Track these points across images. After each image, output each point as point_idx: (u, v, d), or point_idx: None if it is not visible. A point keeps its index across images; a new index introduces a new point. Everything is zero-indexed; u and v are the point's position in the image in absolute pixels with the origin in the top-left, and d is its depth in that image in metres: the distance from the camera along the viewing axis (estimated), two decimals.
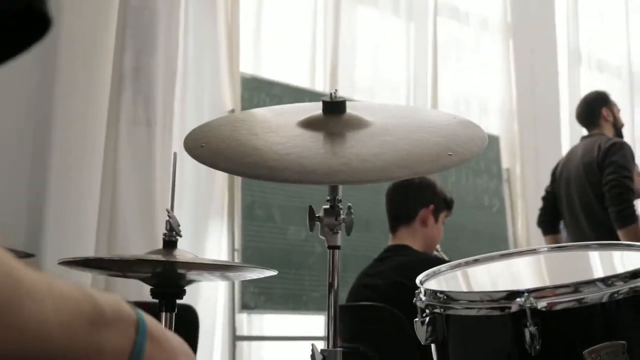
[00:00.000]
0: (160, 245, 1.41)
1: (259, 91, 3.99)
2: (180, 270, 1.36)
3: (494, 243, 4.66)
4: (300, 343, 3.87)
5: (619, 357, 1.08)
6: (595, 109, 4.12)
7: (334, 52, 4.36)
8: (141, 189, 3.38)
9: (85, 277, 2.95)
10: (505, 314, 1.12)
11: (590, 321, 1.13)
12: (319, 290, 3.77)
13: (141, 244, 3.18)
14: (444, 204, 2.77)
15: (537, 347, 1.07)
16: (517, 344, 1.10)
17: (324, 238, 1.39)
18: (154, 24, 3.53)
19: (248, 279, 1.68)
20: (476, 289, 1.42)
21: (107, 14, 3.41)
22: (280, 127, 1.45)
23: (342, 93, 1.46)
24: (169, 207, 1.42)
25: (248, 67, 4.04)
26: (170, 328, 1.36)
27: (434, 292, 1.20)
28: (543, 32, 5.75)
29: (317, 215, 1.38)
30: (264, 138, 1.44)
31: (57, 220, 3.14)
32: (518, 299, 1.10)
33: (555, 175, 4.14)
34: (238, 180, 3.73)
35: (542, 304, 1.09)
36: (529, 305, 1.08)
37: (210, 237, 3.67)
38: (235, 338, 3.68)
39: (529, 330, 1.07)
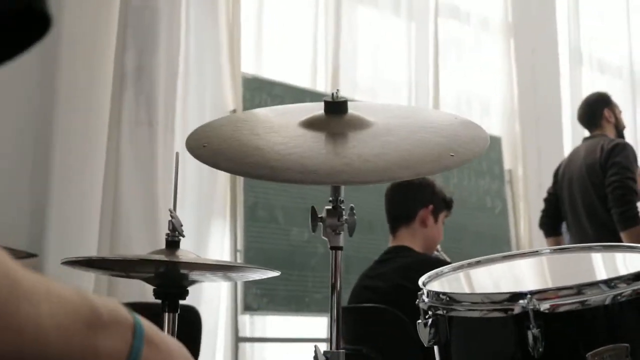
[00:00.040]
0: (162, 246, 1.41)
1: (261, 91, 3.99)
2: (183, 271, 1.36)
3: (496, 245, 4.65)
4: (303, 345, 3.87)
5: None
6: (597, 110, 4.11)
7: (335, 53, 4.36)
8: (143, 189, 3.38)
9: (88, 277, 2.95)
10: (508, 316, 1.12)
11: (593, 323, 1.13)
12: (322, 291, 3.77)
13: (144, 244, 3.18)
14: (444, 204, 2.76)
15: (540, 349, 1.07)
16: (520, 346, 1.09)
17: (326, 239, 1.39)
18: (155, 24, 3.53)
19: (251, 279, 1.68)
20: (478, 290, 1.41)
21: (108, 13, 3.40)
22: (282, 127, 1.45)
23: (343, 93, 1.46)
24: (172, 207, 1.42)
25: (249, 67, 4.04)
26: (172, 329, 1.36)
27: (437, 293, 1.20)
28: (544, 32, 5.75)
29: (319, 216, 1.38)
30: (265, 138, 1.44)
31: (60, 220, 3.14)
32: (521, 301, 1.10)
33: (557, 176, 4.13)
34: (240, 180, 3.73)
35: (545, 306, 1.08)
36: (531, 307, 1.08)
37: (213, 238, 3.67)
38: (237, 339, 3.68)
39: (532, 333, 1.07)
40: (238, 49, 3.88)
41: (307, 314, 3.91)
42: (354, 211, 1.40)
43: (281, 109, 1.73)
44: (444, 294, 1.19)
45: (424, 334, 1.20)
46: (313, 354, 1.30)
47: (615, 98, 4.25)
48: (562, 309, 1.10)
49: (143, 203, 3.36)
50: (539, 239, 4.36)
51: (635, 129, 5.93)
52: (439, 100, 4.82)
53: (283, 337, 4.05)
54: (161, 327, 1.35)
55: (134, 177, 3.37)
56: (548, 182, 4.24)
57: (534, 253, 1.48)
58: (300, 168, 1.30)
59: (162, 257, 1.33)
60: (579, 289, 1.11)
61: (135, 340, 0.64)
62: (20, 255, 2.41)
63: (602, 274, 1.41)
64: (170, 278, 1.38)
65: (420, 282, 1.26)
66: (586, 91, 5.17)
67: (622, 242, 3.43)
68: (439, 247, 2.83)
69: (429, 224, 2.71)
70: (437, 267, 1.39)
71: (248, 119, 1.63)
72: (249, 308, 3.66)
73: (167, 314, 1.35)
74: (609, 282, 1.12)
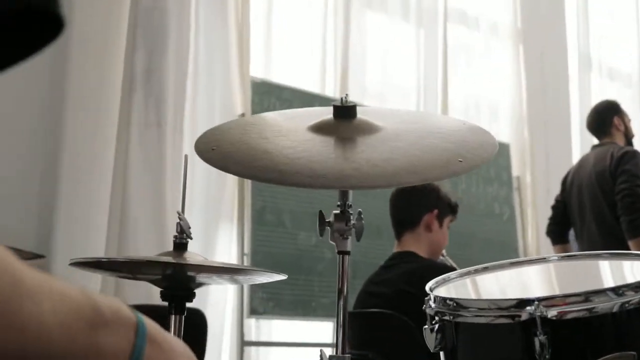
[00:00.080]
0: (170, 248, 1.41)
1: (269, 95, 3.99)
2: (190, 273, 1.36)
3: (503, 251, 4.64)
4: (309, 349, 3.86)
5: None
6: (606, 118, 4.10)
7: (344, 57, 4.37)
8: (152, 191, 3.39)
9: (95, 279, 2.96)
10: (515, 322, 1.12)
11: (600, 331, 1.12)
12: (328, 296, 3.77)
13: (151, 246, 3.18)
14: (449, 209, 2.75)
15: (547, 356, 1.07)
16: (526, 353, 1.09)
17: (334, 243, 1.39)
18: (165, 26, 3.55)
19: (257, 282, 1.68)
20: (485, 296, 1.41)
21: (118, 15, 3.42)
22: (291, 131, 1.45)
23: (352, 98, 1.46)
24: (180, 210, 1.42)
25: (258, 71, 4.05)
26: (179, 331, 1.36)
27: (444, 299, 1.20)
28: (553, 38, 5.74)
29: (327, 220, 1.38)
30: (274, 142, 1.45)
31: (68, 221, 3.15)
32: (528, 307, 1.09)
33: (565, 184, 4.12)
34: (248, 184, 3.73)
35: (552, 313, 1.08)
36: (539, 313, 1.08)
37: (220, 241, 3.67)
38: (243, 343, 3.68)
39: (539, 339, 1.07)
40: (247, 53, 3.89)
41: (313, 319, 3.91)
42: (362, 216, 1.40)
43: (290, 113, 1.73)
44: (451, 299, 1.19)
45: (431, 340, 1.20)
46: (319, 358, 1.30)
47: (625, 106, 4.24)
48: (569, 316, 1.09)
49: (151, 205, 3.37)
50: (547, 246, 4.35)
51: None
52: (447, 105, 4.82)
53: (288, 341, 4.04)
54: (167, 329, 1.35)
55: (143, 179, 3.38)
56: (556, 189, 4.23)
57: (542, 260, 1.47)
58: (308, 172, 1.30)
59: (170, 259, 1.33)
60: (587, 296, 1.11)
61: (138, 339, 0.64)
62: (27, 256, 2.42)
63: (609, 282, 1.41)
64: (177, 280, 1.38)
65: (427, 288, 1.26)
66: (595, 98, 5.16)
67: (630, 250, 3.42)
68: (444, 251, 2.82)
69: (434, 228, 2.70)
70: (442, 273, 1.39)
71: (257, 123, 1.63)
72: (255, 312, 3.66)
73: (173, 315, 1.35)
74: (617, 290, 1.11)
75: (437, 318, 1.19)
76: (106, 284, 3.05)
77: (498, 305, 1.15)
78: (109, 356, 0.61)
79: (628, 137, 4.12)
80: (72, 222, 3.16)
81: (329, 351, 1.33)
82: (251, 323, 3.77)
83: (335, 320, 1.37)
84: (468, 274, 1.39)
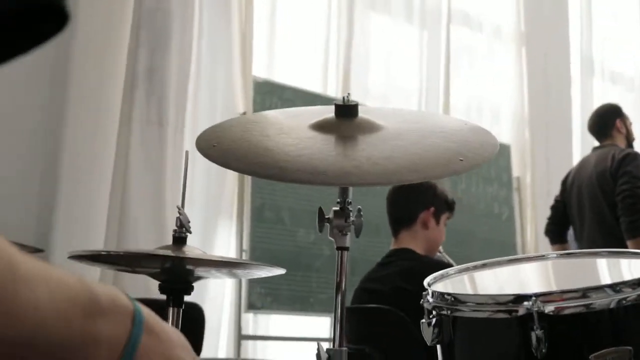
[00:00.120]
0: (169, 244, 1.41)
1: (271, 95, 4.00)
2: (188, 266, 1.37)
3: (502, 251, 4.65)
4: (306, 344, 3.87)
5: None
6: (609, 121, 4.12)
7: (346, 58, 4.37)
8: (152, 189, 3.40)
9: (94, 273, 2.96)
10: (513, 317, 1.12)
11: (597, 326, 1.13)
12: (326, 292, 3.78)
13: (150, 242, 3.19)
14: (445, 206, 2.77)
15: (544, 350, 1.07)
16: (523, 348, 1.10)
17: (332, 239, 1.40)
18: (168, 25, 3.56)
19: (256, 277, 1.69)
20: (482, 292, 1.42)
21: (121, 14, 3.43)
22: (293, 129, 1.46)
23: (354, 99, 1.46)
24: (180, 204, 1.43)
25: (261, 70, 4.06)
26: (177, 324, 1.37)
27: (442, 294, 1.21)
28: (556, 41, 5.74)
29: (326, 216, 1.39)
30: (275, 139, 1.45)
31: (67, 217, 3.16)
32: (525, 303, 1.10)
33: (565, 184, 4.13)
34: (248, 182, 3.75)
35: (549, 308, 1.09)
36: (536, 309, 1.08)
37: (219, 238, 3.68)
38: (240, 337, 3.70)
39: (536, 334, 1.07)
40: (250, 52, 3.89)
41: (311, 314, 3.93)
42: (361, 213, 1.41)
43: (292, 111, 1.74)
44: (449, 294, 1.20)
45: (428, 334, 1.20)
46: (316, 352, 1.31)
47: (626, 110, 4.25)
48: (566, 312, 1.10)
49: (151, 202, 3.38)
50: (545, 246, 4.36)
51: None
52: (449, 107, 4.83)
53: (286, 335, 4.06)
54: (165, 321, 1.35)
55: (143, 177, 3.39)
56: (556, 189, 4.24)
57: (540, 257, 1.48)
58: (309, 169, 1.31)
59: (169, 252, 1.34)
60: (584, 292, 1.11)
61: (135, 327, 0.64)
62: (27, 250, 2.42)
63: (606, 279, 1.41)
64: (176, 273, 1.39)
65: (425, 283, 1.27)
66: (597, 101, 5.17)
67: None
68: (440, 248, 2.84)
69: (430, 225, 2.71)
70: (438, 270, 1.40)
71: (258, 121, 1.64)
72: (252, 307, 3.68)
73: (171, 308, 1.36)
74: (614, 287, 1.12)
75: (434, 312, 1.20)
76: (105, 277, 3.06)
77: (496, 300, 1.16)
78: (104, 344, 0.61)
79: (629, 140, 4.13)
80: (71, 217, 3.17)
81: (326, 345, 1.33)
82: (249, 317, 3.79)
83: (332, 315, 1.37)
84: (466, 270, 1.40)
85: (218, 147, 1.41)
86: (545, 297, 1.10)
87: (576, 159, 5.09)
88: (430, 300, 1.22)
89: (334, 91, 4.31)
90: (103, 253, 1.54)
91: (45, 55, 3.13)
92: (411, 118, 1.65)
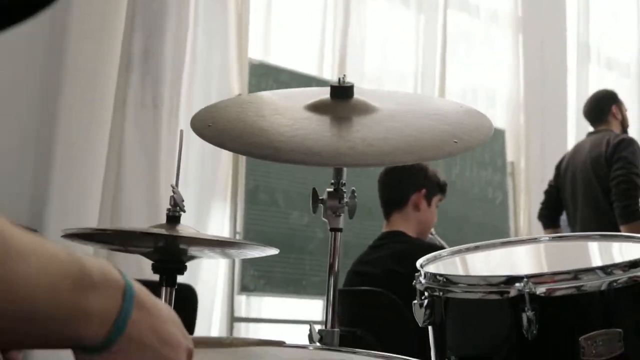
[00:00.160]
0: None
1: (267, 77, 3.99)
2: (182, 246, 1.36)
3: (495, 235, 4.65)
4: (298, 326, 3.89)
5: (615, 345, 1.09)
6: (604, 106, 4.12)
7: (342, 41, 4.36)
8: (146, 171, 3.39)
9: (87, 251, 2.96)
10: (504, 299, 1.13)
11: (588, 308, 1.13)
12: (319, 275, 3.79)
13: (144, 223, 3.19)
14: (437, 188, 2.77)
15: (534, 331, 1.08)
16: (514, 329, 1.10)
17: (326, 220, 1.40)
18: (164, 7, 3.54)
19: (249, 257, 1.69)
20: (474, 274, 1.42)
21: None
22: (288, 109, 1.46)
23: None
24: (174, 184, 1.43)
25: (257, 53, 4.04)
26: (169, 304, 1.37)
27: (434, 275, 1.21)
28: (553, 27, 5.73)
29: (320, 197, 1.39)
30: (270, 120, 1.46)
31: (61, 197, 3.16)
32: (517, 284, 1.10)
33: (559, 169, 4.14)
34: (242, 163, 3.75)
35: (541, 290, 1.09)
36: (527, 290, 1.09)
37: (213, 219, 3.68)
38: (233, 319, 3.71)
39: (527, 315, 1.08)
40: (246, 35, 3.88)
41: (304, 297, 3.94)
42: (355, 194, 1.41)
43: (287, 92, 1.74)
44: (441, 275, 1.20)
45: (420, 315, 1.21)
46: (308, 332, 1.31)
47: (622, 96, 4.26)
48: (557, 293, 1.10)
49: (145, 184, 3.37)
50: (538, 231, 4.37)
51: None
52: (445, 92, 4.83)
53: (278, 318, 4.07)
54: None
55: (137, 159, 3.38)
56: (550, 175, 4.25)
57: (533, 240, 1.49)
58: (304, 149, 1.31)
59: (162, 231, 1.34)
60: (576, 274, 1.11)
61: (125, 302, 0.64)
62: None
63: (597, 262, 1.42)
64: (169, 253, 1.38)
65: (417, 264, 1.27)
66: (593, 87, 5.17)
67: None
68: (432, 230, 2.84)
69: (422, 207, 2.72)
70: (430, 252, 1.40)
71: (253, 101, 1.64)
72: (245, 289, 3.69)
73: (164, 288, 1.36)
74: (606, 269, 1.12)
75: (426, 294, 1.21)
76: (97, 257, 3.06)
77: (488, 282, 1.16)
78: (95, 317, 0.62)
79: (624, 126, 4.14)
80: (65, 198, 3.17)
81: (318, 327, 1.34)
82: (242, 299, 3.80)
83: (325, 297, 1.38)
84: (459, 252, 1.40)
85: (213, 127, 1.41)
86: (536, 278, 1.11)
87: (570, 144, 5.10)
88: (423, 281, 1.23)
89: (330, 74, 4.31)
90: (96, 231, 1.54)
91: (40, 37, 3.12)
92: (406, 100, 1.65)
